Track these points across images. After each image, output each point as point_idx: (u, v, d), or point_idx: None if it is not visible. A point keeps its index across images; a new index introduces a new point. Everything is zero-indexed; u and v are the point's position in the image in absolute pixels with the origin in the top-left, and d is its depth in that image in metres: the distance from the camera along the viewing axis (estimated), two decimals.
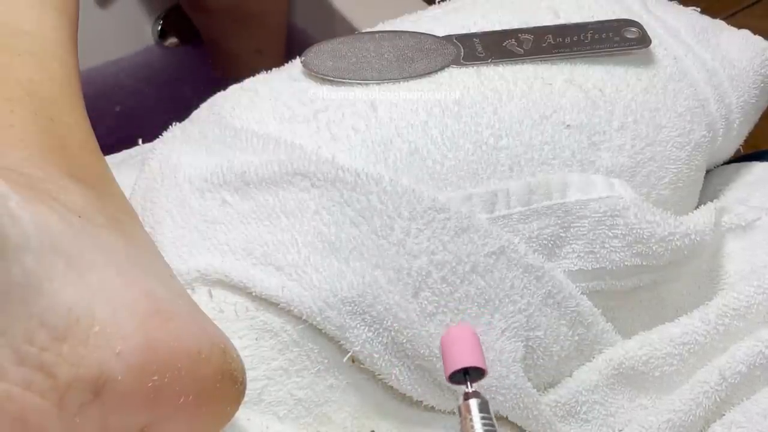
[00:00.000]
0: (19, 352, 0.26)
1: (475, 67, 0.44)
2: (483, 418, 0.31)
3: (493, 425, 0.31)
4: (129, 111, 0.97)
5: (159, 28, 0.99)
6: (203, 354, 0.31)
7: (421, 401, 0.40)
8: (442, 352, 0.33)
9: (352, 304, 0.37)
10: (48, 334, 0.27)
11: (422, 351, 0.38)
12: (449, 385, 0.37)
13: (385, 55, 0.44)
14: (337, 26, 0.92)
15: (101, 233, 0.31)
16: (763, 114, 0.53)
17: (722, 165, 0.54)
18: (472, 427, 0.31)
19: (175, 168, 0.41)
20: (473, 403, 0.31)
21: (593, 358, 0.44)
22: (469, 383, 0.32)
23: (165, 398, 0.30)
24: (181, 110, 0.46)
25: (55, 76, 0.38)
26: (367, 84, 0.43)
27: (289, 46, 0.97)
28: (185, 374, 0.30)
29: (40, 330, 0.26)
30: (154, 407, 0.30)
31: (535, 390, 0.41)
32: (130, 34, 0.98)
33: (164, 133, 0.44)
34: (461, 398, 0.31)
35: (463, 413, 0.31)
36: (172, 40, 1.00)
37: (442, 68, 0.44)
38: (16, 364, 0.26)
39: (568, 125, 0.43)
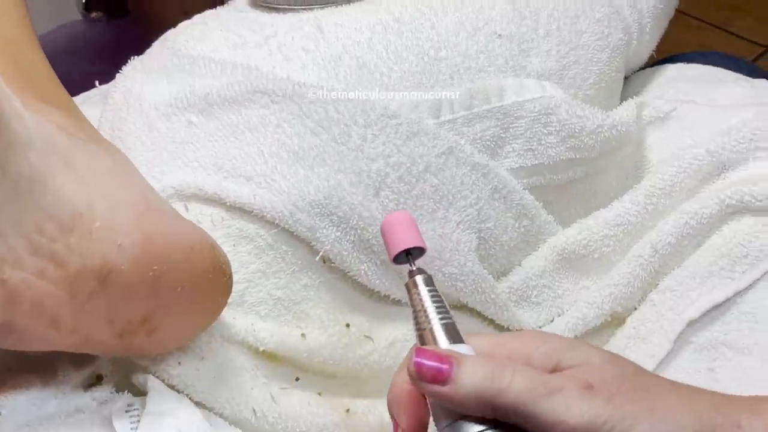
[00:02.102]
0: (31, 241, 0.29)
1: None
2: (430, 290, 0.32)
3: (439, 296, 0.32)
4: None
5: (83, 0, 0.99)
6: (195, 248, 0.34)
7: (389, 295, 0.44)
8: (384, 238, 0.33)
9: (320, 207, 0.40)
10: (56, 226, 0.29)
11: None
12: (394, 267, 0.38)
13: None
14: None
15: (88, 145, 0.33)
16: (671, 24, 0.58)
17: (638, 71, 0.59)
18: (421, 300, 0.31)
19: (140, 97, 0.43)
20: (419, 279, 0.32)
21: (539, 247, 0.48)
22: (412, 262, 0.32)
23: (164, 287, 0.33)
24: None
25: (14, 17, 0.40)
26: (311, 9, 0.46)
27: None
28: (181, 265, 0.33)
29: (48, 222, 0.29)
30: (155, 296, 0.33)
31: (491, 276, 0.45)
32: (56, 8, 0.98)
33: (124, 68, 0.46)
34: (407, 277, 0.32)
35: (411, 289, 0.32)
36: (97, 13, 1.00)
37: None
38: (30, 254, 0.29)
39: (499, 35, 0.47)
